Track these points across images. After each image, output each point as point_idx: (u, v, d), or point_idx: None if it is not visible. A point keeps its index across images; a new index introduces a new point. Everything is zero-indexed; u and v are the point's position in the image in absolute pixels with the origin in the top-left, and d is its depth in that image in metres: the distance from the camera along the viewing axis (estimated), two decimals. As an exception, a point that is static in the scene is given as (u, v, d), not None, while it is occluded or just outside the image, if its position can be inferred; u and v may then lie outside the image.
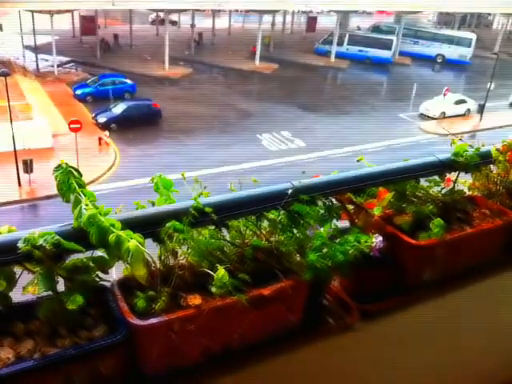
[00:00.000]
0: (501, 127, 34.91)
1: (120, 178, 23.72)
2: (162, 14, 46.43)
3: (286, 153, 28.38)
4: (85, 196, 1.47)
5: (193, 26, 51.49)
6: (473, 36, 50.59)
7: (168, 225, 1.47)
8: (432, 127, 34.02)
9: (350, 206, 1.84)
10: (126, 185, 22.91)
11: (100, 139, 26.68)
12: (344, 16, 49.92)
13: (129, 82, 34.16)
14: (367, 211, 1.82)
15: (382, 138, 30.98)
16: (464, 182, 2.23)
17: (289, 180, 1.75)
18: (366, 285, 1.91)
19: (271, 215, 1.71)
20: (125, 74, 35.36)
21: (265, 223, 1.72)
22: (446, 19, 59.58)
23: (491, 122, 35.25)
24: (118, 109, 29.49)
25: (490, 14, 62.82)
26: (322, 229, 1.70)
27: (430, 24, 63.60)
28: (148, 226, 1.51)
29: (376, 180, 1.88)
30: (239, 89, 37.11)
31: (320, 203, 1.73)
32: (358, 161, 2.13)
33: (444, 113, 35.25)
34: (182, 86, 36.69)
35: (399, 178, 1.94)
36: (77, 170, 1.51)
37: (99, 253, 1.49)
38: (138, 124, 28.36)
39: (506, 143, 2.06)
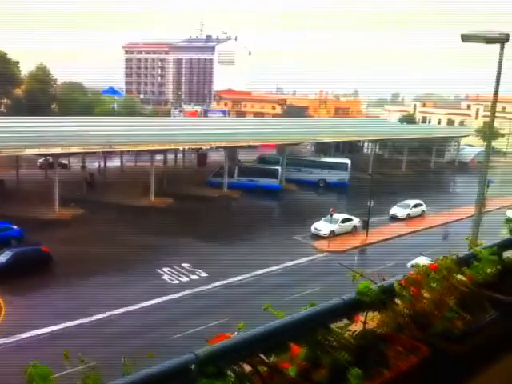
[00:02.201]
0: (385, 240, 37.72)
1: (5, 334, 21.16)
2: (50, 158, 46.01)
3: (189, 284, 27.76)
4: None
5: (83, 167, 51.48)
6: (348, 161, 56.29)
7: None
8: (324, 246, 35.73)
9: (263, 368, 1.66)
10: (11, 340, 20.47)
11: (-19, 293, 24.11)
12: (232, 151, 53.32)
13: (15, 227, 32.31)
14: (282, 371, 1.65)
15: (281, 261, 31.75)
16: (372, 318, 2.17)
17: (190, 351, 1.53)
18: None
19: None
20: (11, 219, 33.41)
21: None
22: (322, 148, 66.04)
23: (376, 236, 37.98)
24: (3, 257, 27.39)
25: (359, 141, 70.89)
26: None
27: (309, 153, 70.04)
28: None
29: (286, 333, 1.74)
30: (135, 225, 36.65)
31: (229, 372, 1.52)
32: (264, 309, 1.99)
33: (333, 231, 37.37)
34: (73, 227, 35.40)
35: (309, 327, 1.83)
36: None
37: None
38: (27, 271, 26.27)
39: (406, 277, 2.08)
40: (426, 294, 2.05)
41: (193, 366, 1.46)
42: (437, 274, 2.13)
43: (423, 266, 2.22)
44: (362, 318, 2.09)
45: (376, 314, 2.18)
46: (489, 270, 2.57)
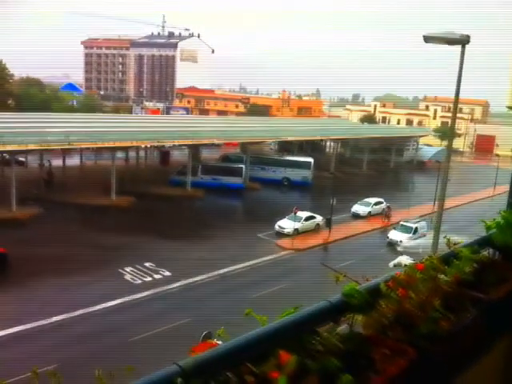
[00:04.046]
0: (347, 237, 38.23)
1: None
2: (7, 155, 44.34)
3: (152, 284, 27.33)
4: None
5: (41, 165, 49.87)
6: (311, 160, 56.72)
7: None
8: (288, 244, 35.91)
9: (251, 378, 1.56)
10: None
11: None
12: (195, 149, 52.84)
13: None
14: (271, 381, 1.55)
15: (245, 259, 31.69)
16: (356, 319, 2.11)
17: (173, 361, 1.40)
18: None
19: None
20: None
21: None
22: (285, 146, 66.32)
23: (339, 234, 38.44)
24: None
25: (322, 140, 71.61)
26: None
27: (273, 152, 70.26)
28: None
29: (273, 340, 1.65)
30: (96, 225, 35.77)
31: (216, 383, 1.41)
32: (246, 314, 1.90)
33: (297, 229, 37.57)
34: (31, 227, 34.24)
35: (297, 332, 1.74)
36: None
37: None
38: (-20, 274, 25.25)
39: (394, 278, 2.03)
40: (412, 295, 2.00)
41: (179, 380, 1.34)
42: (424, 274, 2.09)
43: (409, 266, 2.17)
44: (346, 319, 2.03)
45: (360, 315, 2.12)
46: (467, 269, 2.56)
